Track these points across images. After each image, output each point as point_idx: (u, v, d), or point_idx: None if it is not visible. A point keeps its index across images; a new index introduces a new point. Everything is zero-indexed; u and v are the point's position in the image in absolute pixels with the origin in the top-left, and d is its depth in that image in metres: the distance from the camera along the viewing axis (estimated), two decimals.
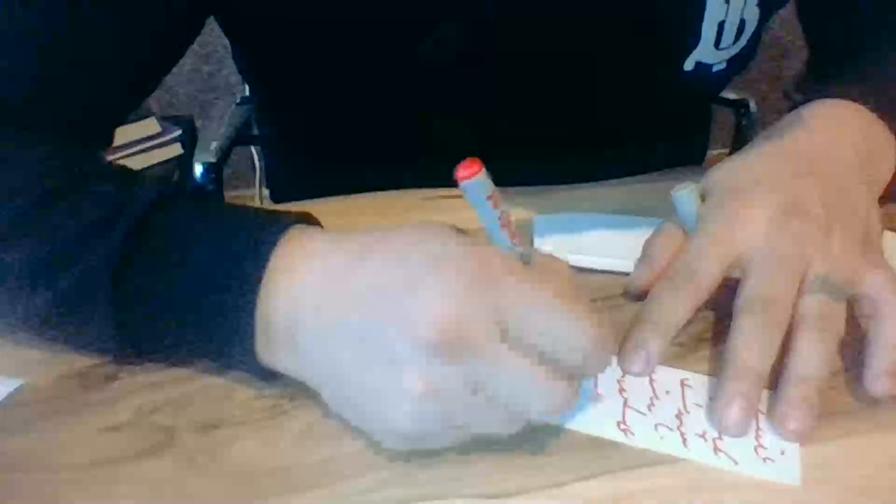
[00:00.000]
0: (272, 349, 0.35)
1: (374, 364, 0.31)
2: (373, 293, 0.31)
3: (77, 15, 0.46)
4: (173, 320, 0.36)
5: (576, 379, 0.32)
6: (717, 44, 0.53)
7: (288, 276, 0.34)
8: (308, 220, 0.38)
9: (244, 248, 0.35)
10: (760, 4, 0.52)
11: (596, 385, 0.38)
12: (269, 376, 0.36)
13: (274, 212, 0.37)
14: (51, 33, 0.46)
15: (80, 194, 0.38)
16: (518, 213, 0.51)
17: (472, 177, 0.32)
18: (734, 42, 0.54)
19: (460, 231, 0.33)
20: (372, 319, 0.31)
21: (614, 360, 0.39)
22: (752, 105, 1.04)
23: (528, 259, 0.34)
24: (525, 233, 0.50)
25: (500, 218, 0.34)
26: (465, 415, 0.31)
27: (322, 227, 0.38)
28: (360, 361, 0.31)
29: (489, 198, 0.33)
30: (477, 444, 0.34)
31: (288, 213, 0.37)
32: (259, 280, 0.34)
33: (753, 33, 0.54)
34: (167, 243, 0.36)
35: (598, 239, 0.49)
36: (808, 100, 0.48)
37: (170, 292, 0.35)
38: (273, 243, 0.34)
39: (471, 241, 0.32)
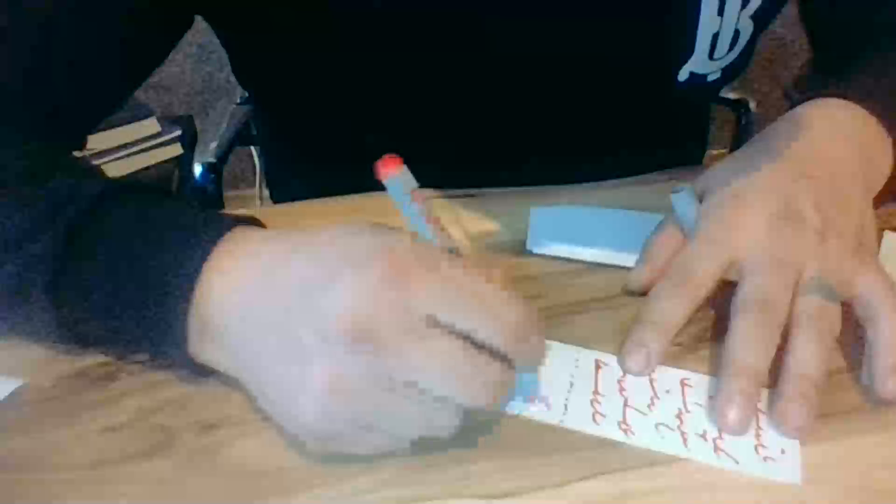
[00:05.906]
0: (206, 346, 0.36)
1: (285, 357, 0.32)
2: (293, 290, 0.32)
3: (47, 16, 0.46)
4: (111, 316, 0.36)
5: (509, 365, 0.32)
6: (711, 55, 0.53)
7: (223, 275, 0.35)
8: (253, 222, 0.39)
9: (183, 249, 0.36)
10: (754, 16, 0.52)
11: (537, 391, 0.37)
12: (203, 373, 0.37)
13: (217, 213, 0.38)
14: (23, 35, 0.46)
15: (34, 187, 0.39)
16: (516, 213, 0.51)
17: (393, 173, 0.33)
18: (728, 52, 0.54)
19: (391, 229, 0.33)
20: (288, 315, 0.32)
21: (614, 360, 0.39)
22: (752, 105, 1.04)
23: (455, 252, 0.34)
24: (522, 224, 0.50)
25: (424, 213, 0.34)
26: (373, 413, 0.31)
27: (265, 227, 0.39)
28: (274, 355, 0.32)
29: (412, 193, 0.33)
30: (477, 444, 0.34)
31: (231, 214, 0.38)
32: (194, 280, 0.35)
33: (748, 43, 0.54)
34: (108, 239, 0.37)
35: (595, 232, 0.49)
36: (805, 98, 0.48)
37: (108, 288, 0.36)
38: (212, 244, 0.35)
39: (396, 237, 0.32)
